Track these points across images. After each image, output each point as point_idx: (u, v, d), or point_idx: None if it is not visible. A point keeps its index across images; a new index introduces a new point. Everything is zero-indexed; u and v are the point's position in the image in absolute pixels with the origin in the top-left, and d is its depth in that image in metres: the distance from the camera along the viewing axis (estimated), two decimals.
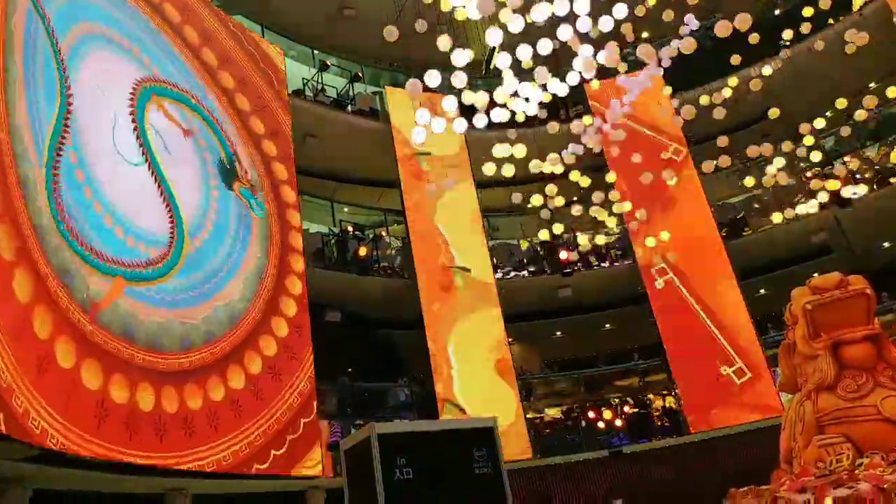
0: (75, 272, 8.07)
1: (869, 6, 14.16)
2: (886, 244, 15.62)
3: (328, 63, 16.31)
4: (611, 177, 11.97)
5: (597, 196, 10.25)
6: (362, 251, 14.58)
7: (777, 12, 15.83)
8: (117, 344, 8.49)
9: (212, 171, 11.78)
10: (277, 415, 10.83)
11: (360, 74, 16.80)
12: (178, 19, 12.34)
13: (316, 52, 16.62)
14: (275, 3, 16.09)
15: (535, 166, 9.37)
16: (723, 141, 10.83)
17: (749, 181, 12.64)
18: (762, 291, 16.01)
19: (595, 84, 10.11)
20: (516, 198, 10.29)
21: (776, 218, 13.30)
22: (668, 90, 12.62)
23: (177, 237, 10.32)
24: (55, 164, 8.06)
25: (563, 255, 15.42)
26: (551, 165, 9.33)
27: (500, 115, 8.30)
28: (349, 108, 15.87)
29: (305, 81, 15.58)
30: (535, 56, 7.93)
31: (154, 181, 10.22)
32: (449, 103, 8.23)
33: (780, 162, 10.94)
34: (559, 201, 10.02)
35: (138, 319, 9.05)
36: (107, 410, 7.87)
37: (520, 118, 8.50)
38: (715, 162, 10.76)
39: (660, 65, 9.00)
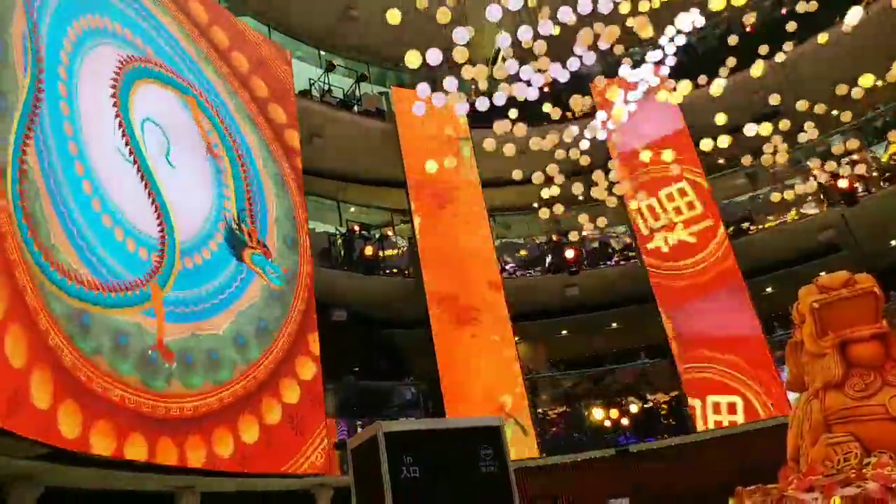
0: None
1: (872, 6, 14.08)
2: (894, 242, 15.55)
3: (334, 63, 16.35)
4: (613, 164, 11.84)
5: (597, 175, 10.06)
6: (368, 251, 14.62)
7: (784, 11, 15.78)
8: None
9: (227, 182, 11.58)
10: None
11: (367, 75, 16.83)
12: (206, 20, 12.31)
13: (322, 52, 16.66)
14: (281, 3, 16.13)
15: (534, 144, 9.22)
16: (720, 118, 10.66)
17: (747, 159, 12.43)
18: (769, 290, 15.97)
19: (600, 84, 10.03)
20: (516, 174, 10.10)
21: (775, 198, 13.03)
22: (675, 84, 12.45)
23: (168, 245, 9.79)
24: (20, 172, 7.29)
25: (570, 253, 15.41)
26: (551, 144, 9.15)
27: (501, 99, 8.24)
28: (355, 108, 15.91)
29: (312, 82, 15.63)
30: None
31: (140, 178, 9.74)
32: (449, 83, 8.13)
33: (780, 143, 10.73)
34: (559, 180, 9.78)
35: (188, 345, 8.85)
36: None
37: (520, 97, 8.38)
38: (715, 143, 10.57)
39: (663, 61, 8.98)
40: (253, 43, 13.50)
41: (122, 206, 9.10)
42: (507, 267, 15.99)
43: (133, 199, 9.45)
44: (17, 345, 6.50)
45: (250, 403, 10.01)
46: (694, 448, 13.33)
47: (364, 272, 14.39)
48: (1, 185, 6.76)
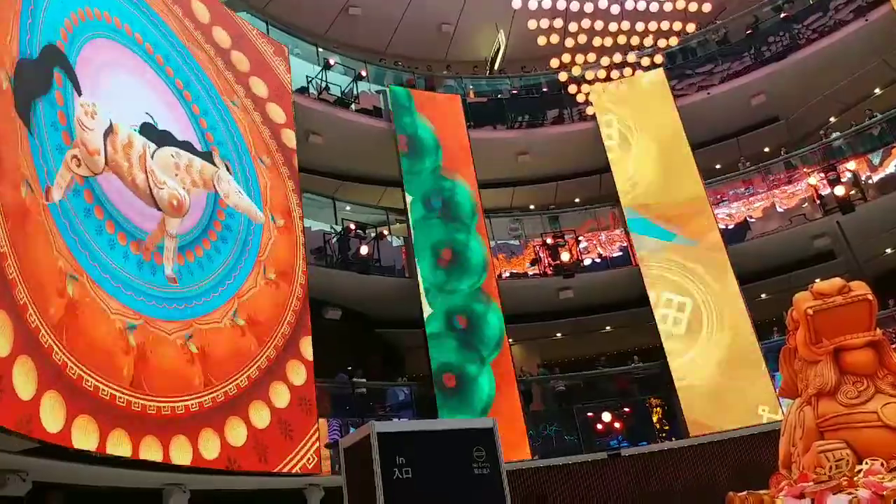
0: None
1: (874, 11, 14.13)
2: (889, 250, 15.60)
3: (332, 61, 16.30)
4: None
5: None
6: (363, 250, 14.58)
7: (782, 15, 15.82)
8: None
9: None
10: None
11: (364, 73, 16.78)
12: (207, 20, 12.26)
13: (320, 50, 16.62)
14: None
15: None
16: None
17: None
18: (763, 296, 15.99)
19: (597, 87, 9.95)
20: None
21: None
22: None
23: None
24: None
25: (565, 256, 15.40)
26: None
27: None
28: (352, 106, 15.87)
29: (309, 79, 15.58)
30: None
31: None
32: None
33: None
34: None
35: None
36: None
37: None
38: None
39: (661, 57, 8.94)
40: (251, 41, 13.44)
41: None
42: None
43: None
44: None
45: (236, 407, 9.95)
46: (686, 453, 13.34)
47: (359, 271, 14.35)
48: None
